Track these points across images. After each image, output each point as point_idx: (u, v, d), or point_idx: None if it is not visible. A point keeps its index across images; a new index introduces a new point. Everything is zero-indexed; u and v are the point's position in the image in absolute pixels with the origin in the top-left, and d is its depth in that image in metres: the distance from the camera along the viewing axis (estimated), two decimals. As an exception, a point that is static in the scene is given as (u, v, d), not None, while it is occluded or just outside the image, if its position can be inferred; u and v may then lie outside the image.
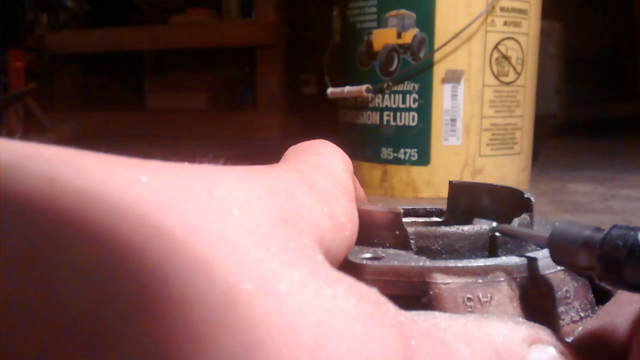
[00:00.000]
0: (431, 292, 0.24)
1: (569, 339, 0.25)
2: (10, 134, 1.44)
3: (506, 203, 0.32)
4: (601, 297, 0.27)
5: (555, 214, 0.94)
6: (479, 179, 1.10)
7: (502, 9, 1.08)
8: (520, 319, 0.21)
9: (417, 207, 0.35)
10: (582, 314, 0.26)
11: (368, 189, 1.17)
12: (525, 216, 0.29)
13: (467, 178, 1.10)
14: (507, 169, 1.14)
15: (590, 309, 0.27)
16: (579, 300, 0.27)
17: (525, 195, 0.30)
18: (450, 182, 0.35)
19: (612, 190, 1.19)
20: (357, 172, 1.13)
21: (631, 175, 1.40)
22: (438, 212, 0.36)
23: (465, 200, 0.35)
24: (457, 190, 0.35)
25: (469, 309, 0.24)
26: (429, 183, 1.10)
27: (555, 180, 1.32)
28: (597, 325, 0.22)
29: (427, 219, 0.35)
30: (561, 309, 0.26)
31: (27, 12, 2.93)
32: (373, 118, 1.14)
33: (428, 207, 0.36)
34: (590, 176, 1.38)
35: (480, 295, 0.24)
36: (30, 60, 2.42)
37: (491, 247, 0.27)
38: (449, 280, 0.24)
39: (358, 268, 0.25)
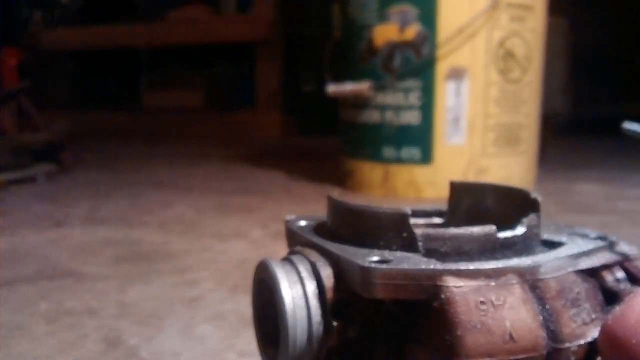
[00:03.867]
0: (443, 296, 0.23)
1: (581, 342, 0.25)
2: (4, 133, 1.43)
3: (511, 204, 0.31)
4: (610, 299, 0.27)
5: (561, 215, 0.94)
6: (484, 179, 1.09)
7: (508, 5, 1.07)
8: None
9: (416, 208, 0.34)
10: (593, 316, 0.26)
11: (369, 190, 1.16)
12: (533, 217, 0.28)
13: (471, 178, 1.09)
14: (513, 168, 1.14)
15: (601, 311, 0.26)
16: (589, 302, 0.26)
17: (533, 196, 0.29)
18: (452, 183, 0.35)
19: (620, 191, 1.18)
20: (358, 172, 1.12)
21: (638, 175, 1.40)
22: (438, 213, 0.35)
23: (468, 200, 0.34)
24: (459, 190, 0.35)
25: (482, 313, 0.23)
26: (432, 183, 1.09)
27: (561, 180, 1.32)
28: None
29: (428, 221, 0.35)
30: (573, 311, 0.25)
31: (21, 10, 2.93)
32: (374, 116, 1.13)
33: (428, 208, 0.35)
34: (597, 176, 1.37)
35: (494, 299, 0.24)
36: (24, 58, 2.41)
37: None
38: (461, 284, 0.24)
39: (366, 272, 0.24)
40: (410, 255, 0.26)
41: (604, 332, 0.23)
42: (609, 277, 0.29)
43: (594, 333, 0.25)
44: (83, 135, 1.76)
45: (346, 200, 0.30)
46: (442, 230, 0.27)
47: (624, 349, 0.22)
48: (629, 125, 0.31)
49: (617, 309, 0.24)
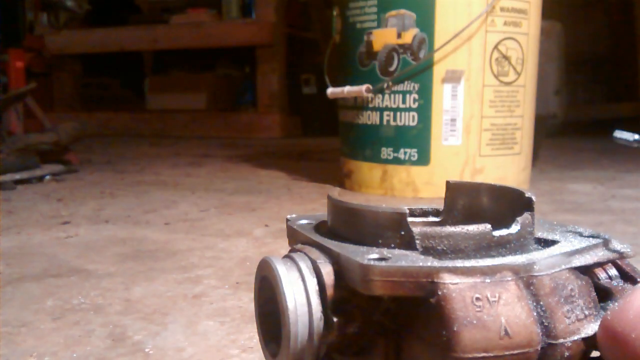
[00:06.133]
0: (440, 293, 0.24)
1: (575, 337, 0.25)
2: (10, 134, 1.44)
3: (506, 203, 0.31)
4: (603, 296, 0.28)
5: (555, 214, 0.95)
6: (479, 178, 1.10)
7: (502, 9, 1.08)
8: None
9: (413, 207, 0.34)
10: (586, 312, 0.26)
11: (368, 189, 1.17)
12: (527, 215, 0.29)
13: (467, 178, 1.10)
14: (507, 169, 1.14)
15: (594, 307, 0.27)
16: (583, 299, 0.26)
17: (527, 195, 0.30)
18: (448, 182, 0.35)
19: (612, 190, 1.19)
20: (357, 172, 1.13)
21: (631, 175, 1.40)
22: (435, 212, 0.35)
23: (464, 200, 0.34)
24: (455, 190, 0.35)
25: (478, 309, 0.24)
26: (429, 183, 1.10)
27: (555, 180, 1.32)
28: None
29: (424, 219, 0.35)
30: (567, 307, 0.26)
31: (27, 12, 2.93)
32: (373, 118, 1.14)
33: (424, 207, 0.35)
34: (590, 176, 1.38)
35: (489, 295, 0.24)
36: (30, 60, 2.42)
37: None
38: (457, 280, 0.24)
39: (365, 269, 0.25)
40: (407, 252, 0.26)
41: (603, 327, 0.23)
42: (601, 275, 0.29)
43: (587, 329, 0.25)
44: (88, 136, 1.76)
45: (345, 200, 0.30)
46: (438, 229, 0.27)
47: (623, 343, 0.22)
48: (620, 134, 0.32)
49: (616, 304, 0.24)
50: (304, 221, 0.33)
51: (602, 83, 2.90)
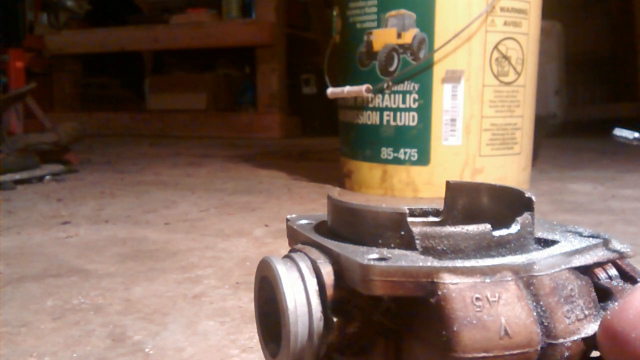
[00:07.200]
0: (440, 293, 0.24)
1: (575, 337, 0.25)
2: (10, 134, 1.44)
3: (506, 203, 0.31)
4: (603, 296, 0.27)
5: (555, 214, 0.95)
6: (479, 179, 1.10)
7: (502, 9, 1.08)
8: None
9: (413, 207, 0.34)
10: (586, 312, 0.26)
11: (368, 189, 1.17)
12: (527, 215, 0.29)
13: (467, 178, 1.10)
14: (507, 169, 1.14)
15: (594, 307, 0.27)
16: (583, 299, 0.26)
17: (527, 195, 0.30)
18: (448, 182, 0.35)
19: (612, 190, 1.19)
20: (357, 172, 1.13)
21: (631, 175, 1.40)
22: (435, 212, 0.35)
23: (464, 200, 0.34)
24: (455, 190, 0.35)
25: (478, 309, 0.24)
26: (429, 183, 1.10)
27: (555, 180, 1.32)
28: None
29: (424, 219, 0.35)
30: (567, 307, 0.26)
31: (27, 12, 2.93)
32: (373, 118, 1.14)
33: (424, 207, 0.35)
34: (590, 176, 1.38)
35: (489, 295, 0.24)
36: (30, 60, 2.42)
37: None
38: (457, 280, 0.24)
39: (365, 269, 0.25)
40: (407, 252, 0.26)
41: (603, 326, 0.23)
42: (601, 275, 0.29)
43: (587, 329, 0.25)
44: (88, 136, 1.77)
45: (345, 200, 0.30)
46: (438, 229, 0.27)
47: (623, 343, 0.22)
48: (619, 132, 0.31)
49: (616, 304, 0.24)
50: (304, 221, 0.33)
51: (602, 83, 2.91)
